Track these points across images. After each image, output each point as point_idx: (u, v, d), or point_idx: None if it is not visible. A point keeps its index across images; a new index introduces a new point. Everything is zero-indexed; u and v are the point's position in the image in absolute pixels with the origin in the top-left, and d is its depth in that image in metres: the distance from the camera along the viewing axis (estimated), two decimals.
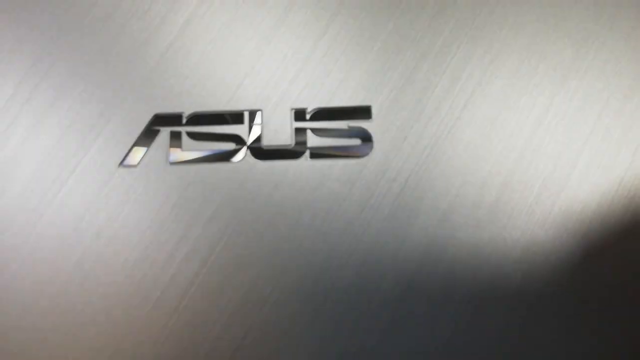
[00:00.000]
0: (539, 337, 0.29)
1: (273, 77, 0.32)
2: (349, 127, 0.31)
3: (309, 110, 0.31)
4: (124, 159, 0.31)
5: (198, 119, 0.31)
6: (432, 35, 0.32)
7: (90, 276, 0.30)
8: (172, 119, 0.31)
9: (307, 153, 0.31)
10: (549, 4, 0.32)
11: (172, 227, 0.30)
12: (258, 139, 0.31)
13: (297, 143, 0.31)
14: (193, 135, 0.31)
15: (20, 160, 0.31)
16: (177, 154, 0.31)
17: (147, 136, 0.31)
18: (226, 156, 0.31)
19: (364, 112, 0.31)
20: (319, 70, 0.32)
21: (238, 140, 0.31)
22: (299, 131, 0.31)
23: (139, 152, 0.31)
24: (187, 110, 0.31)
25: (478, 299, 0.30)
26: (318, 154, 0.31)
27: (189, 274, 0.30)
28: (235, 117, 0.31)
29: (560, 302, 0.29)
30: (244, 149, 0.31)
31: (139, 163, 0.31)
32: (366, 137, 0.31)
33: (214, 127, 0.31)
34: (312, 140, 0.31)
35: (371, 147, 0.31)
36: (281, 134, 0.31)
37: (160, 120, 0.31)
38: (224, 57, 0.32)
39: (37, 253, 0.30)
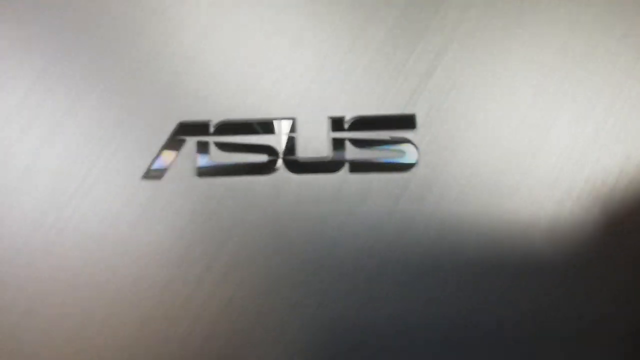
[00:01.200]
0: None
1: (306, 80, 0.29)
2: (391, 137, 0.29)
3: (347, 119, 0.29)
4: (148, 170, 0.29)
5: (227, 127, 0.29)
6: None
7: (107, 307, 0.28)
8: (198, 128, 0.29)
9: (347, 166, 0.29)
10: None
11: (200, 246, 0.28)
12: (292, 151, 0.29)
13: (334, 155, 0.29)
14: (222, 146, 0.29)
15: (32, 172, 0.29)
16: (205, 166, 0.29)
17: (171, 146, 0.29)
18: (259, 169, 0.29)
19: (407, 120, 0.29)
20: (358, 73, 0.29)
21: (271, 151, 0.29)
22: (336, 142, 0.29)
23: (167, 159, 0.29)
24: (214, 118, 0.29)
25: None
26: (358, 166, 0.29)
27: (219, 303, 0.28)
28: (265, 127, 0.29)
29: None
30: (279, 161, 0.29)
31: (164, 175, 0.29)
32: (410, 149, 0.29)
33: (244, 137, 0.29)
34: (351, 152, 0.29)
35: (416, 160, 0.29)
36: (317, 145, 0.29)
37: (186, 128, 0.29)
38: (252, 58, 0.29)
39: (53, 274, 0.28)
